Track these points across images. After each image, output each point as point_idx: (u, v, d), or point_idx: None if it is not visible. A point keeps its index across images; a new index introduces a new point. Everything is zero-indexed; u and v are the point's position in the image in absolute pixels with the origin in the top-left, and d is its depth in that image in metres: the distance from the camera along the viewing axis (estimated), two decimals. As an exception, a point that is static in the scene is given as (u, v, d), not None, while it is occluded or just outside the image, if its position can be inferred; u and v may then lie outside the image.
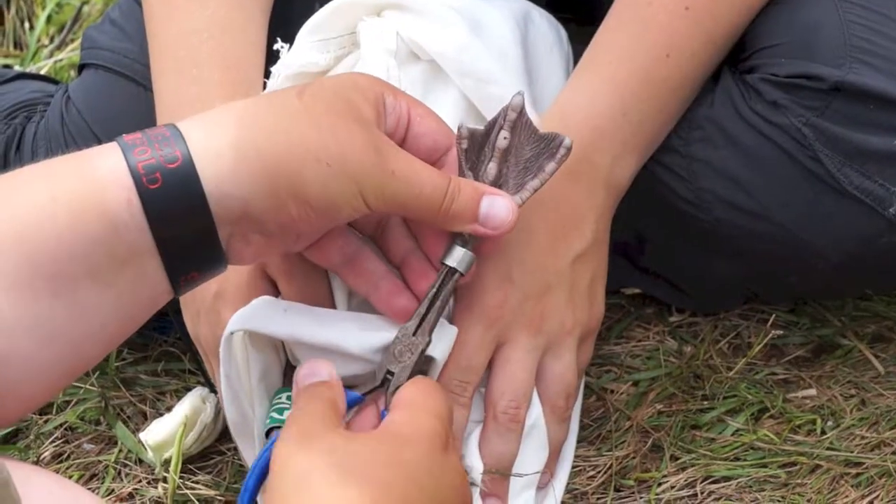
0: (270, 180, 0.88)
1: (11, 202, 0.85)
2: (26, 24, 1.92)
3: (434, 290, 1.02)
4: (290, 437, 0.87)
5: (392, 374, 1.00)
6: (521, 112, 1.02)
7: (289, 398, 1.06)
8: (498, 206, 0.99)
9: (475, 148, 1.02)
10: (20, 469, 0.81)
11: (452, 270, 1.03)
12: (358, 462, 0.84)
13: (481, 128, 1.03)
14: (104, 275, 0.85)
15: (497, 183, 1.02)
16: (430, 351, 1.05)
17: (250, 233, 0.90)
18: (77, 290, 0.84)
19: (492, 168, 1.01)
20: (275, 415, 1.05)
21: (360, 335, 1.04)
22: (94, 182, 0.84)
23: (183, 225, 0.86)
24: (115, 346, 0.92)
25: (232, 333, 1.07)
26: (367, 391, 1.00)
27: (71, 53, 1.82)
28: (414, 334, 1.02)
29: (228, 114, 0.90)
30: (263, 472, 0.92)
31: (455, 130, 1.04)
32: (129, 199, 0.84)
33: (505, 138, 1.01)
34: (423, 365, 1.05)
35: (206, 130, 0.88)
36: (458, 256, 1.02)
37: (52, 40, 1.90)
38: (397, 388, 0.98)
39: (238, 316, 1.07)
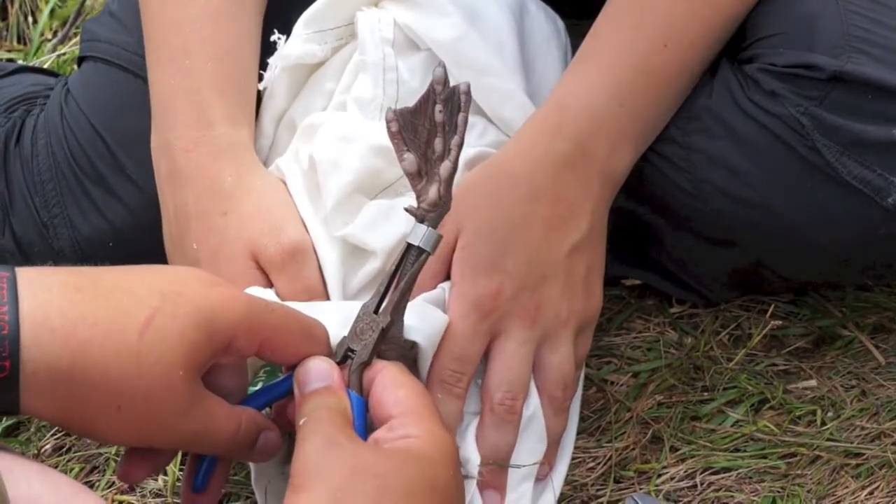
0: (66, 407, 0.86)
1: None
2: (30, 19, 1.93)
3: (394, 267, 1.01)
4: (311, 450, 0.87)
5: (353, 351, 0.99)
6: (446, 83, 1.01)
7: (264, 371, 1.05)
8: (270, 440, 0.98)
9: (409, 128, 1.01)
10: (5, 461, 0.81)
11: (417, 249, 1.01)
12: (390, 484, 0.85)
13: (409, 108, 1.02)
14: None
15: (443, 156, 1.00)
16: (409, 334, 1.04)
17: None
18: None
19: (438, 143, 1.00)
20: (250, 387, 1.05)
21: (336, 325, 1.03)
22: None
23: None
24: None
25: None
26: None
27: (74, 47, 1.82)
28: (375, 312, 1.00)
29: (64, 315, 0.86)
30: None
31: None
32: None
33: (440, 112, 1.00)
34: (406, 351, 1.04)
35: (36, 327, 0.84)
36: (420, 234, 1.01)
37: (55, 34, 1.90)
38: (361, 365, 0.98)
39: None
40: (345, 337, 0.99)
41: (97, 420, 0.87)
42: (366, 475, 0.85)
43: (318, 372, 0.95)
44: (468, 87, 1.01)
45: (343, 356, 0.99)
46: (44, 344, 0.83)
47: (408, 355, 1.05)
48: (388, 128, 1.00)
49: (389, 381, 0.96)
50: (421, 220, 1.01)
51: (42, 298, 0.84)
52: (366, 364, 0.98)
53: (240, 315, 0.91)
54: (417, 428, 0.91)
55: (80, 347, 0.84)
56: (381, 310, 1.00)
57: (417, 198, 1.01)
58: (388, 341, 1.00)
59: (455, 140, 1.01)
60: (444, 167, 1.00)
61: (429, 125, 1.00)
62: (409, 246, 1.01)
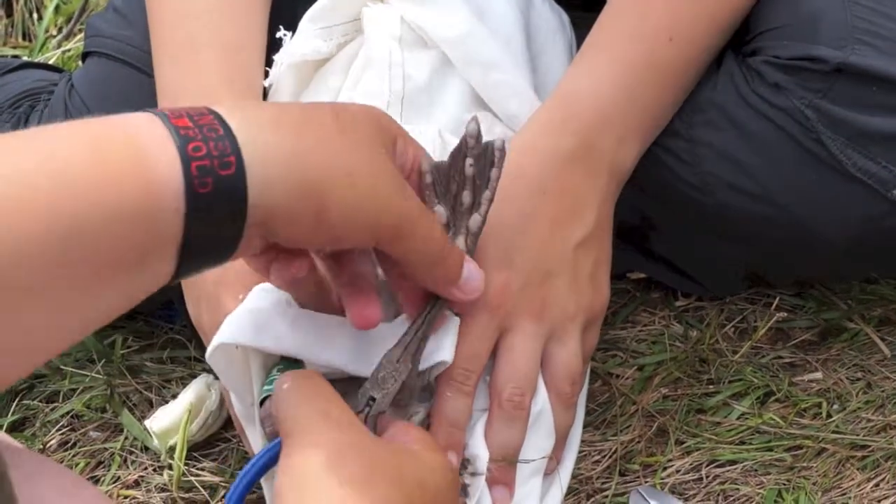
0: (302, 195, 0.84)
1: (48, 164, 0.75)
2: (34, 15, 1.93)
3: (423, 317, 1.01)
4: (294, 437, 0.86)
5: (374, 399, 0.99)
6: (479, 138, 1.01)
7: (278, 369, 1.05)
8: (474, 273, 0.99)
9: (442, 181, 1.01)
10: (16, 457, 0.81)
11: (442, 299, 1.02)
12: (380, 461, 0.85)
13: (444, 161, 1.02)
14: (129, 268, 0.78)
15: (471, 209, 1.02)
16: (439, 356, 1.05)
17: (256, 237, 0.86)
18: (100, 278, 0.76)
19: (466, 196, 1.01)
20: (266, 386, 1.05)
21: (366, 356, 1.03)
22: (144, 167, 0.76)
23: (216, 230, 0.81)
24: (92, 331, 0.87)
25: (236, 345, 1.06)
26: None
27: (79, 44, 1.83)
28: (398, 361, 1.00)
29: (279, 116, 0.86)
30: (258, 474, 0.91)
31: (463, 119, 1.04)
32: (175, 196, 0.77)
33: (471, 165, 1.01)
34: (422, 382, 1.05)
35: (254, 133, 0.83)
36: None
37: (60, 31, 1.91)
38: (379, 413, 0.98)
39: (239, 325, 1.04)
40: (366, 385, 1.00)
41: (334, 202, 0.85)
42: (361, 448, 0.85)
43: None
44: (503, 143, 1.01)
45: (364, 405, 0.99)
46: (257, 134, 0.82)
47: (421, 385, 1.06)
48: (423, 179, 1.00)
49: (402, 425, 0.96)
50: None
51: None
52: (383, 412, 0.99)
53: (393, 120, 0.95)
54: (420, 444, 0.91)
55: (299, 134, 0.84)
56: (402, 357, 1.00)
57: None
58: (404, 385, 1.01)
59: (486, 194, 1.02)
60: (475, 220, 1.02)
61: (458, 178, 1.01)
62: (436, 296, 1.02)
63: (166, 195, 0.77)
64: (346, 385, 1.07)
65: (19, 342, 0.74)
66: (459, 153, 1.02)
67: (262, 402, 1.04)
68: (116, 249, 0.76)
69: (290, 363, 1.06)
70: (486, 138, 1.03)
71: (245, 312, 1.04)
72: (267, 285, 1.08)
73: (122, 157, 0.75)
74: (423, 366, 1.03)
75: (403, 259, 0.94)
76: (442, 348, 1.05)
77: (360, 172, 0.87)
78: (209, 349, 1.05)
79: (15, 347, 0.74)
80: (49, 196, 0.72)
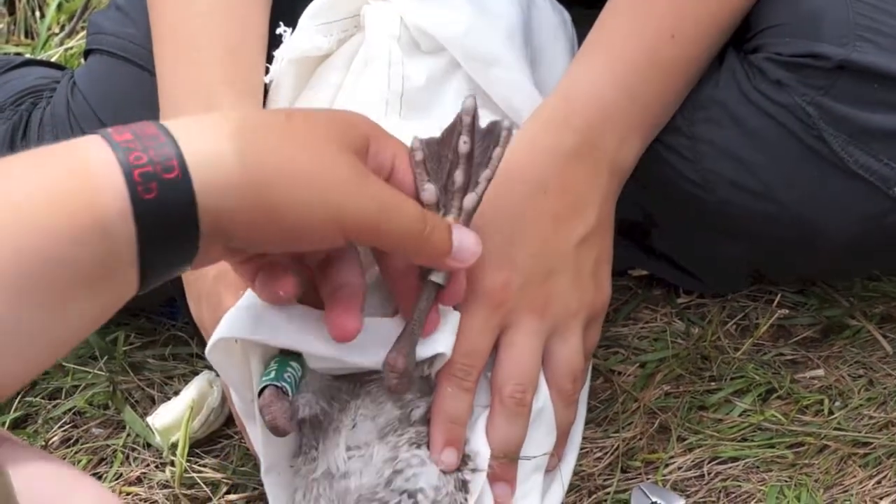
0: (249, 196, 0.85)
1: (5, 206, 0.79)
2: (37, 13, 1.93)
3: (416, 311, 1.01)
4: None
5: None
6: (475, 114, 1.00)
7: (275, 362, 1.06)
8: (466, 239, 0.98)
9: (433, 158, 1.00)
10: (10, 451, 0.81)
11: (434, 285, 1.01)
12: None
13: (435, 137, 1.00)
14: (92, 284, 0.81)
15: (466, 188, 1.00)
16: (437, 347, 1.05)
17: (215, 243, 0.87)
18: (65, 299, 0.80)
19: (459, 175, 1.00)
20: (264, 377, 1.05)
21: (361, 347, 1.03)
22: (89, 187, 0.80)
23: (168, 235, 0.83)
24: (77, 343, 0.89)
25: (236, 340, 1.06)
26: None
27: (81, 41, 1.83)
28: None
29: (222, 122, 0.87)
30: None
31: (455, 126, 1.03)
32: (122, 207, 0.80)
33: (465, 143, 1.00)
34: (419, 372, 1.05)
35: (199, 136, 0.85)
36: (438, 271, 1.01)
37: (62, 28, 1.91)
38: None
39: (236, 320, 1.04)
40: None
41: (284, 199, 0.86)
42: None
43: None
44: (511, 124, 1.01)
45: None
46: (199, 137, 0.84)
47: (420, 377, 1.06)
48: (413, 156, 0.99)
49: None
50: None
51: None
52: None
53: (367, 120, 0.95)
54: None
55: (240, 134, 0.86)
56: (395, 351, 1.01)
57: None
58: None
59: (486, 173, 1.00)
60: (470, 199, 1.00)
61: (452, 156, 1.00)
62: (428, 282, 1.01)
63: (113, 207, 0.79)
64: (345, 381, 1.07)
65: None
66: (454, 130, 1.01)
67: (260, 392, 1.04)
68: (79, 269, 0.79)
69: (289, 357, 1.06)
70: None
71: (243, 308, 1.05)
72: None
73: (70, 185, 0.79)
74: (419, 356, 1.03)
75: (386, 249, 0.95)
76: (439, 340, 1.05)
77: (310, 172, 0.87)
78: (208, 346, 1.05)
79: None
80: (9, 231, 0.77)
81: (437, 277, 1.01)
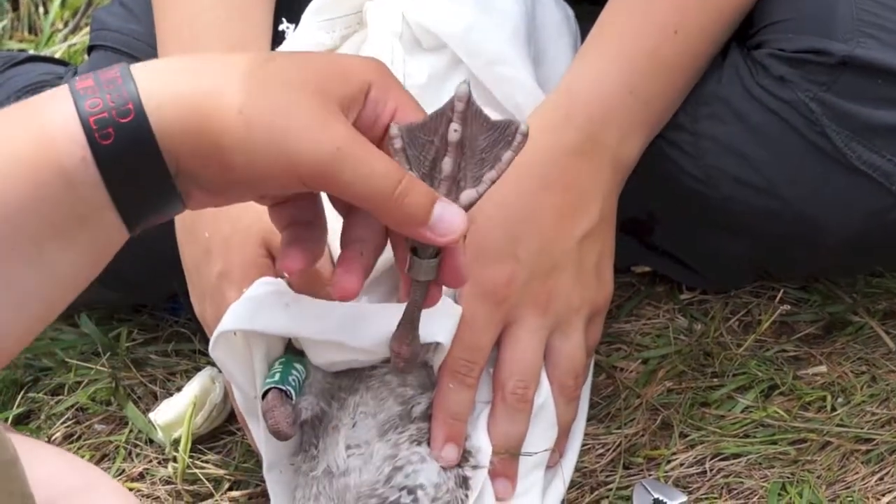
0: (197, 138, 0.84)
1: None
2: (41, 9, 1.93)
3: (413, 299, 0.98)
4: None
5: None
6: (469, 101, 0.93)
7: (280, 363, 1.06)
8: (449, 213, 0.89)
9: (415, 145, 0.93)
10: (26, 444, 0.82)
11: (422, 283, 0.96)
12: None
13: (417, 123, 0.93)
14: (67, 232, 0.83)
15: (455, 178, 0.93)
16: (434, 336, 1.05)
17: (190, 186, 0.87)
18: (43, 251, 0.82)
19: (447, 164, 0.92)
20: (269, 379, 1.05)
21: (362, 329, 1.04)
22: (47, 139, 0.81)
23: (137, 178, 0.83)
24: (80, 291, 0.89)
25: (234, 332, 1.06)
26: None
27: (85, 37, 1.83)
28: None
29: (181, 63, 0.87)
30: None
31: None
32: (83, 156, 0.81)
33: (456, 131, 0.92)
34: (422, 355, 1.05)
35: (154, 78, 0.84)
36: (423, 268, 0.94)
37: (66, 24, 1.91)
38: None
39: (236, 313, 1.05)
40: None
41: (231, 144, 0.84)
42: None
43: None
44: (528, 130, 0.93)
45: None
46: (160, 79, 0.84)
47: (424, 363, 1.06)
48: (392, 144, 0.92)
49: None
50: (423, 257, 0.94)
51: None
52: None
53: (374, 66, 0.91)
54: None
55: (200, 77, 0.85)
56: (397, 339, 1.00)
57: None
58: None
59: (491, 174, 0.93)
60: (468, 195, 0.93)
61: (438, 143, 0.93)
62: (418, 282, 0.96)
63: (71, 155, 0.81)
64: (346, 377, 1.07)
65: None
66: (442, 116, 0.93)
67: (264, 395, 1.04)
68: (45, 218, 0.81)
69: (293, 357, 1.07)
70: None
71: (243, 301, 1.05)
72: (268, 279, 1.09)
73: (26, 138, 0.81)
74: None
75: (351, 201, 0.91)
76: (438, 331, 1.05)
77: (266, 116, 0.85)
78: (211, 342, 1.05)
79: None
80: None
81: (422, 276, 0.95)
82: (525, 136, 0.93)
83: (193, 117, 0.84)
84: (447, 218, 0.89)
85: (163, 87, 0.84)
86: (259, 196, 0.94)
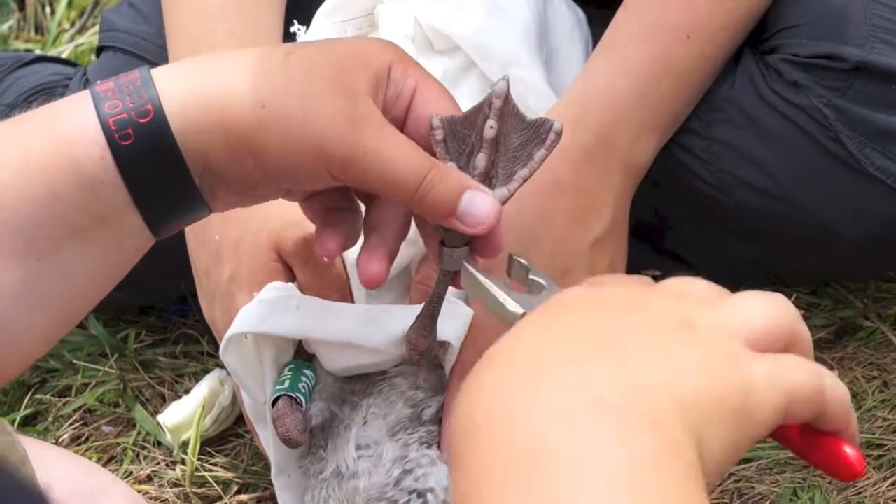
0: (227, 136, 0.85)
1: None
2: (47, 9, 1.92)
3: (431, 297, 0.99)
4: None
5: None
6: (507, 98, 0.93)
7: (289, 369, 1.06)
8: (479, 203, 0.89)
9: (455, 137, 0.93)
10: (33, 446, 0.82)
11: (447, 272, 0.97)
12: None
13: (458, 115, 0.94)
14: (86, 233, 0.83)
15: (488, 174, 0.94)
16: (442, 335, 1.04)
17: (216, 186, 0.87)
18: (61, 251, 0.83)
19: (481, 159, 0.93)
20: (278, 387, 1.05)
21: (374, 329, 1.03)
22: (65, 140, 0.82)
23: (158, 179, 0.84)
24: (104, 295, 0.89)
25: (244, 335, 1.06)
26: None
27: (91, 38, 1.82)
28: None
29: (203, 64, 0.88)
30: None
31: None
32: (102, 156, 0.82)
33: (492, 127, 0.93)
34: (436, 350, 1.04)
35: (176, 79, 0.85)
36: (452, 258, 0.94)
37: (72, 25, 1.90)
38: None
39: (247, 315, 1.05)
40: None
41: (263, 139, 0.85)
42: None
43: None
44: (562, 128, 0.94)
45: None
46: (181, 80, 0.85)
47: (437, 354, 1.05)
48: (433, 135, 0.92)
49: None
50: (454, 246, 0.94)
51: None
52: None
53: (390, 47, 0.91)
54: None
55: (223, 75, 0.85)
56: (415, 330, 1.00)
57: None
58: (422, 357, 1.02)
59: (523, 172, 0.94)
60: (500, 194, 0.93)
61: (475, 137, 0.93)
62: (445, 273, 0.96)
63: (90, 157, 0.82)
64: (358, 382, 1.07)
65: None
66: (479, 111, 0.94)
67: (274, 402, 1.04)
68: (65, 221, 0.82)
69: (302, 363, 1.06)
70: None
71: (254, 304, 1.05)
72: (278, 283, 1.08)
73: (45, 141, 0.83)
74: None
75: (380, 193, 0.91)
76: (448, 331, 1.05)
77: (294, 112, 0.85)
78: (222, 346, 1.05)
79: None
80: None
81: (451, 265, 0.94)
82: (559, 134, 0.94)
83: (219, 116, 0.84)
84: (475, 208, 0.89)
85: (185, 88, 0.84)
86: (287, 192, 0.93)
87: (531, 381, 0.61)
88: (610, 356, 0.63)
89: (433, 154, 0.92)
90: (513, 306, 0.87)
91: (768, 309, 0.69)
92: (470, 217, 0.89)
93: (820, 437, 0.69)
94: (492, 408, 0.60)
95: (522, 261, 0.91)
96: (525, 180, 0.94)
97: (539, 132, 0.94)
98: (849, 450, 0.68)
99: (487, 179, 0.93)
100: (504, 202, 0.93)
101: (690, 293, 0.74)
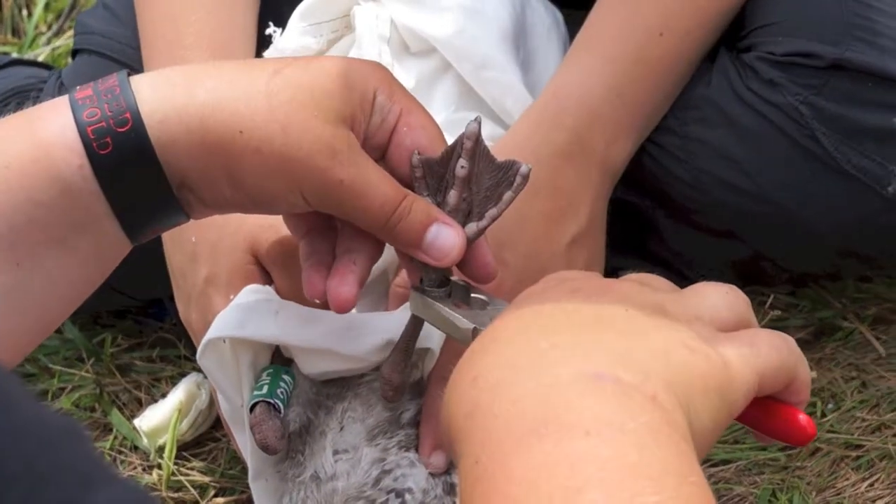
0: (206, 157, 0.85)
1: None
2: (24, 12, 1.92)
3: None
4: None
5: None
6: (478, 139, 0.94)
7: (268, 374, 1.05)
8: (444, 236, 0.91)
9: (434, 176, 0.95)
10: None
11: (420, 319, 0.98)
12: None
13: (436, 156, 0.95)
14: (66, 239, 0.83)
15: (458, 210, 0.95)
16: (425, 342, 1.04)
17: (193, 201, 0.87)
18: (40, 256, 0.83)
19: (452, 196, 0.94)
20: (256, 392, 1.04)
21: (352, 337, 1.03)
22: (44, 147, 0.82)
23: (137, 188, 0.84)
24: (83, 300, 0.89)
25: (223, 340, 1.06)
26: None
27: (68, 40, 1.82)
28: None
29: (188, 77, 0.87)
30: None
31: (452, 120, 1.01)
32: (80, 164, 0.82)
33: (462, 167, 0.94)
34: (415, 356, 1.04)
35: (158, 90, 0.85)
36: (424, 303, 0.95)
37: (49, 27, 1.89)
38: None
39: (226, 320, 1.04)
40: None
41: (241, 166, 0.85)
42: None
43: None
44: (529, 171, 0.95)
45: None
46: (162, 92, 0.84)
47: (416, 361, 1.05)
48: (413, 173, 0.94)
49: None
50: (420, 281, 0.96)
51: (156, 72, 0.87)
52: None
53: (378, 71, 0.91)
54: None
55: (206, 94, 0.85)
56: (389, 366, 1.00)
57: None
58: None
59: (492, 212, 0.95)
60: (469, 228, 0.94)
61: (449, 176, 0.95)
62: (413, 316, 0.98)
63: (68, 164, 0.82)
64: (334, 386, 1.06)
65: None
66: (453, 152, 0.96)
67: (252, 408, 1.03)
68: (40, 226, 0.82)
69: (280, 367, 1.06)
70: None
71: (232, 308, 1.04)
72: (256, 286, 1.08)
73: (23, 149, 0.82)
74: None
75: (352, 220, 0.91)
76: (428, 338, 1.04)
77: (272, 141, 0.85)
78: (199, 350, 1.04)
79: None
80: None
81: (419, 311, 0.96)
82: (525, 178, 0.95)
83: (200, 139, 0.84)
84: (440, 241, 0.91)
85: (166, 105, 0.84)
86: (267, 210, 0.94)
87: (532, 362, 0.66)
88: (602, 335, 0.68)
89: (412, 186, 0.93)
90: (463, 323, 0.90)
91: (728, 296, 0.76)
92: (434, 250, 0.91)
93: (774, 405, 0.75)
94: (496, 389, 0.66)
95: (459, 282, 0.94)
96: (494, 220, 0.95)
97: (508, 174, 0.96)
98: (801, 417, 0.75)
99: (462, 216, 0.95)
100: (473, 238, 0.94)
101: (650, 284, 0.79)
